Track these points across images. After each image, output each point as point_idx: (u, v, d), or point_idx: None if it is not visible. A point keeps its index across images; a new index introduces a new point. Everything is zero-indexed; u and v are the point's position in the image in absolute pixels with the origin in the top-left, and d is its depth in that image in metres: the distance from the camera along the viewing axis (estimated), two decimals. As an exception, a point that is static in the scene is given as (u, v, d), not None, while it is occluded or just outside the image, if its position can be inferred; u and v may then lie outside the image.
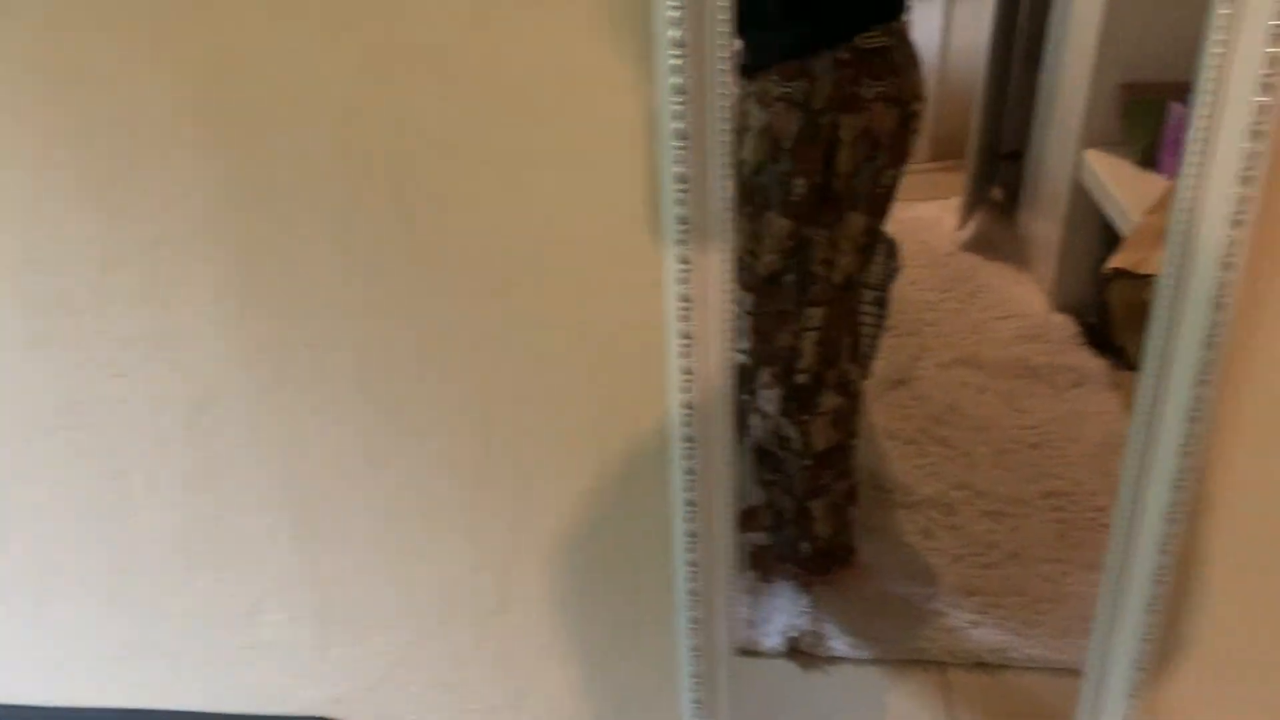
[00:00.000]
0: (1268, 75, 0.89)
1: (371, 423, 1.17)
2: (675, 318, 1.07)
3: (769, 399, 1.83)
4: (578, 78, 0.99)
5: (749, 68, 1.64)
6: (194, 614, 1.33)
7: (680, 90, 0.96)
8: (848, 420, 1.88)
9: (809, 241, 1.68)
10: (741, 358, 1.85)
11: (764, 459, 1.93)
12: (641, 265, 1.07)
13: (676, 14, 0.92)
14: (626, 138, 1.02)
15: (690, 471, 1.14)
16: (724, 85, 0.99)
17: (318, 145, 1.03)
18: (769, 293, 1.74)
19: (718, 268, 1.06)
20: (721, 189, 1.03)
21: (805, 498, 1.91)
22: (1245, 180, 0.92)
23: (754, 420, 1.89)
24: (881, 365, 2.68)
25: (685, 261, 1.04)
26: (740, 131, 1.64)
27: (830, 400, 1.84)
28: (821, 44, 1.55)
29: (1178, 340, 1.02)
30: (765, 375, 1.82)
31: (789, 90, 1.57)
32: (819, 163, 1.60)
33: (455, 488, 1.20)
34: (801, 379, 1.80)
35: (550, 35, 0.97)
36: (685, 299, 1.05)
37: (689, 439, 1.12)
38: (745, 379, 1.85)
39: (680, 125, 0.97)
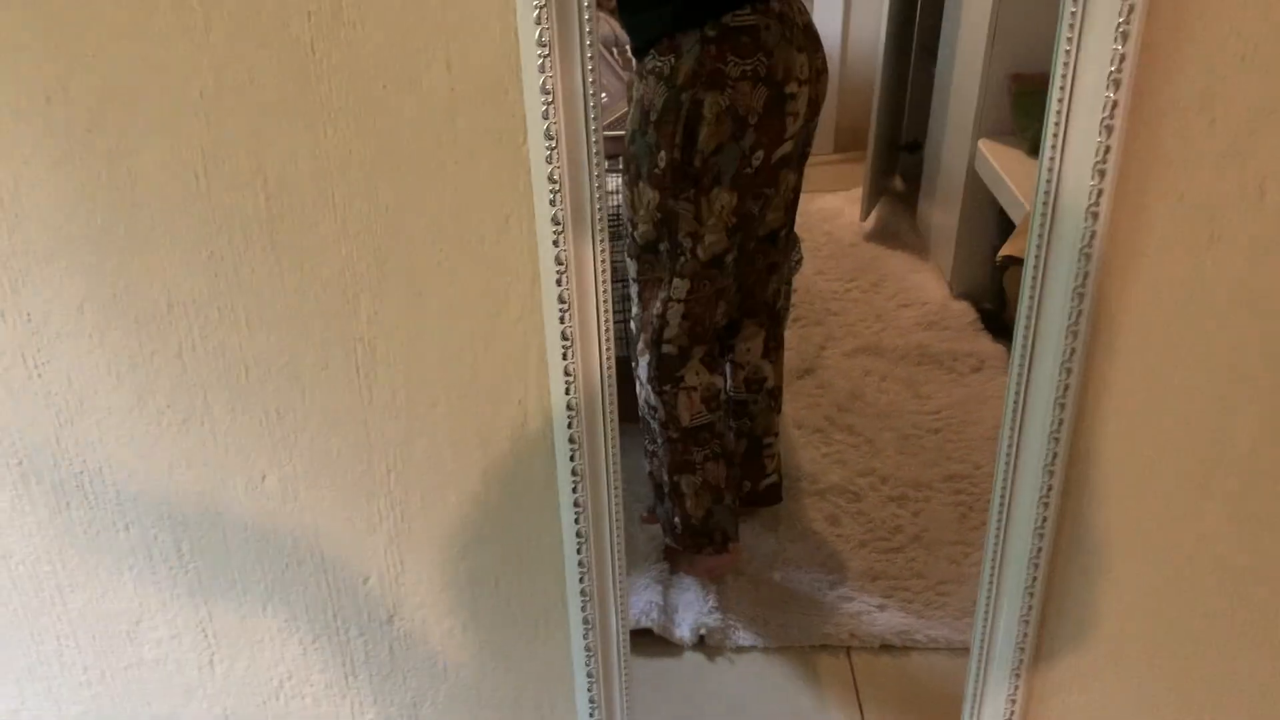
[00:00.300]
0: (1115, 72, 0.91)
1: (248, 433, 1.14)
2: (555, 318, 1.06)
3: (642, 366, 1.87)
4: (447, 84, 0.98)
5: (637, 49, 1.67)
6: (70, 635, 1.29)
7: (546, 90, 0.95)
8: (717, 400, 1.90)
9: (675, 214, 1.69)
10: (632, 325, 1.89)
11: (645, 428, 1.95)
12: (517, 267, 1.06)
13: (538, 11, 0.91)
14: (497, 140, 1.01)
15: (575, 473, 1.13)
16: (593, 85, 0.98)
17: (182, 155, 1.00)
18: (645, 260, 1.78)
19: (594, 268, 1.06)
20: (594, 189, 1.02)
21: (673, 471, 1.93)
22: (1099, 173, 0.94)
23: (637, 387, 1.91)
24: (789, 355, 2.70)
25: (561, 262, 1.03)
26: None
27: (698, 376, 1.85)
28: (689, 21, 1.57)
29: (1046, 307, 1.04)
30: (640, 342, 1.85)
31: (659, 65, 1.59)
32: (679, 137, 1.61)
33: (338, 497, 1.18)
34: (668, 349, 1.82)
35: (418, 37, 0.96)
36: (563, 300, 1.05)
37: (573, 440, 1.12)
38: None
39: (549, 125, 0.97)
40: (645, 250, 1.77)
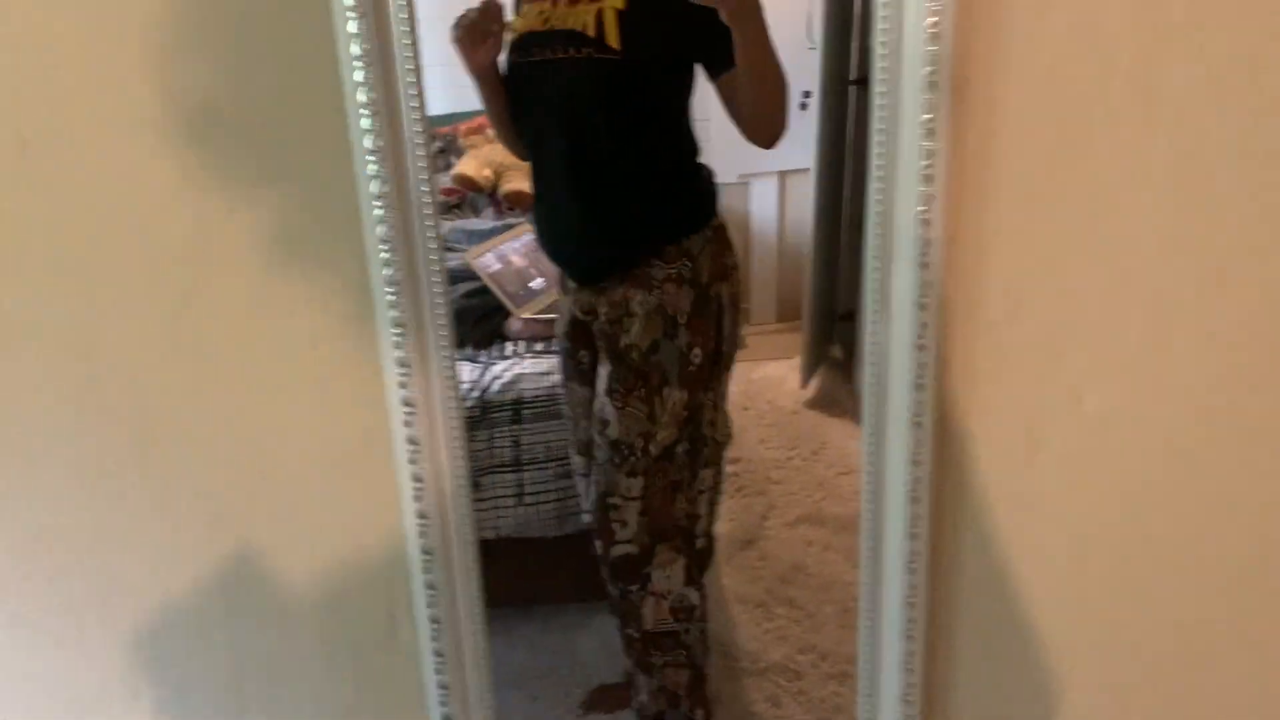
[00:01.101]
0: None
1: (121, 655, 1.15)
2: (400, 423, 1.05)
3: (604, 566, 1.79)
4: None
5: (621, 261, 1.69)
6: None
7: (381, 198, 0.99)
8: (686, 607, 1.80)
9: (701, 406, 1.70)
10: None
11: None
12: (360, 370, 1.06)
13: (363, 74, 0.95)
14: (332, 239, 1.04)
15: (431, 586, 1.10)
16: (426, 184, 1.01)
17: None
18: (659, 469, 1.70)
19: (440, 370, 1.06)
20: (436, 289, 1.04)
21: (635, 668, 1.88)
22: (919, 386, 1.00)
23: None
24: (730, 526, 2.71)
25: (405, 365, 1.04)
26: None
27: (663, 580, 1.76)
28: (698, 223, 1.69)
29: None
30: (598, 543, 1.79)
31: (675, 271, 1.65)
32: (713, 329, 1.68)
33: (211, 713, 1.18)
34: (627, 549, 1.75)
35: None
36: (408, 403, 1.04)
37: (427, 551, 1.09)
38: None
39: (384, 229, 0.99)
40: (661, 458, 1.69)
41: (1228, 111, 1.00)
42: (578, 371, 1.85)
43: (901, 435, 1.03)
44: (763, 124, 1.53)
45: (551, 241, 1.73)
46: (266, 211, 1.01)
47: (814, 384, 3.34)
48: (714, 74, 1.55)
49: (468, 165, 3.15)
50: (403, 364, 1.02)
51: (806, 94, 3.11)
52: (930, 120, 0.94)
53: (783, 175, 3.71)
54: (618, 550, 1.72)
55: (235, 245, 1.02)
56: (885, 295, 1.02)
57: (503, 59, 1.63)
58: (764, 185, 3.74)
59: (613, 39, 1.47)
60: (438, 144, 3.33)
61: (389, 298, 1.00)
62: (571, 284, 1.77)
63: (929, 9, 0.90)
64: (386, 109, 0.95)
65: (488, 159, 3.15)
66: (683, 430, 1.68)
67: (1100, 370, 1.07)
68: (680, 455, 1.71)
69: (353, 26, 0.91)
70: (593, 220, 1.65)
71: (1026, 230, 1.03)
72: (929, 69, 0.93)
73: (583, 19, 1.48)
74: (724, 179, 1.80)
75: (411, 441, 1.04)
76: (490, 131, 3.03)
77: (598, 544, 1.78)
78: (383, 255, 0.99)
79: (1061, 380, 1.07)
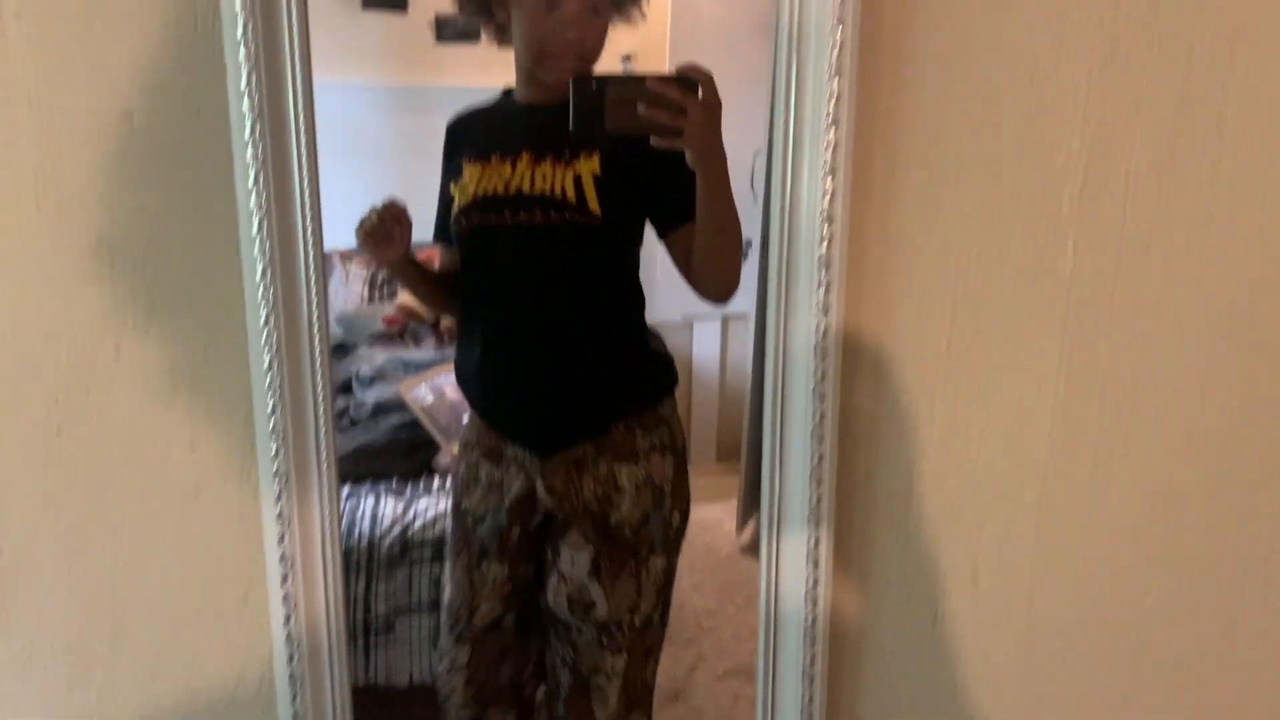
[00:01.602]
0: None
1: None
2: (277, 578, 1.01)
3: None
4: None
5: (591, 428, 1.58)
6: None
7: (272, 349, 0.97)
8: None
9: (674, 571, 1.62)
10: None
11: None
12: (239, 519, 1.03)
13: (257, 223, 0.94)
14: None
15: None
16: (322, 340, 0.99)
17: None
18: (642, 642, 1.61)
19: (322, 524, 1.02)
20: (322, 440, 1.01)
21: None
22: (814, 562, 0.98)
23: None
24: (659, 677, 2.62)
25: (284, 517, 1.00)
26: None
27: None
28: (669, 388, 1.61)
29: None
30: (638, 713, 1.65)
31: (656, 439, 1.57)
32: (687, 492, 1.63)
33: None
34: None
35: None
36: (285, 558, 1.01)
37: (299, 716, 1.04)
38: None
39: (273, 386, 0.97)
40: (643, 629, 1.59)
41: (1118, 304, 1.02)
42: (499, 549, 1.64)
43: (797, 623, 1.00)
44: (718, 276, 1.49)
45: (507, 411, 1.60)
46: (154, 354, 0.99)
47: (750, 528, 3.31)
48: (669, 229, 1.53)
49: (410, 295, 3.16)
50: (282, 518, 0.98)
51: (748, 242, 3.18)
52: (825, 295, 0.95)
53: (726, 319, 3.76)
54: None
55: (119, 388, 0.99)
56: (782, 468, 1.01)
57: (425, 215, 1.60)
58: (707, 327, 3.79)
59: (594, 204, 1.46)
60: (384, 273, 3.34)
61: (272, 448, 0.97)
62: (517, 454, 1.60)
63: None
64: (281, 255, 0.94)
65: (431, 290, 3.16)
66: (659, 597, 1.61)
67: (995, 549, 1.06)
68: (656, 621, 1.63)
69: (249, 176, 0.91)
70: (567, 387, 1.55)
71: (925, 411, 1.03)
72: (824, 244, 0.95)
73: (559, 183, 1.47)
74: (669, 318, 1.77)
75: (287, 599, 1.00)
76: (436, 263, 3.04)
77: None
78: (268, 403, 0.96)
79: (962, 556, 1.06)
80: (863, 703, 1.08)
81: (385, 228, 1.47)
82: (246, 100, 0.91)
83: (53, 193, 0.95)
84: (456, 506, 1.67)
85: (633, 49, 3.00)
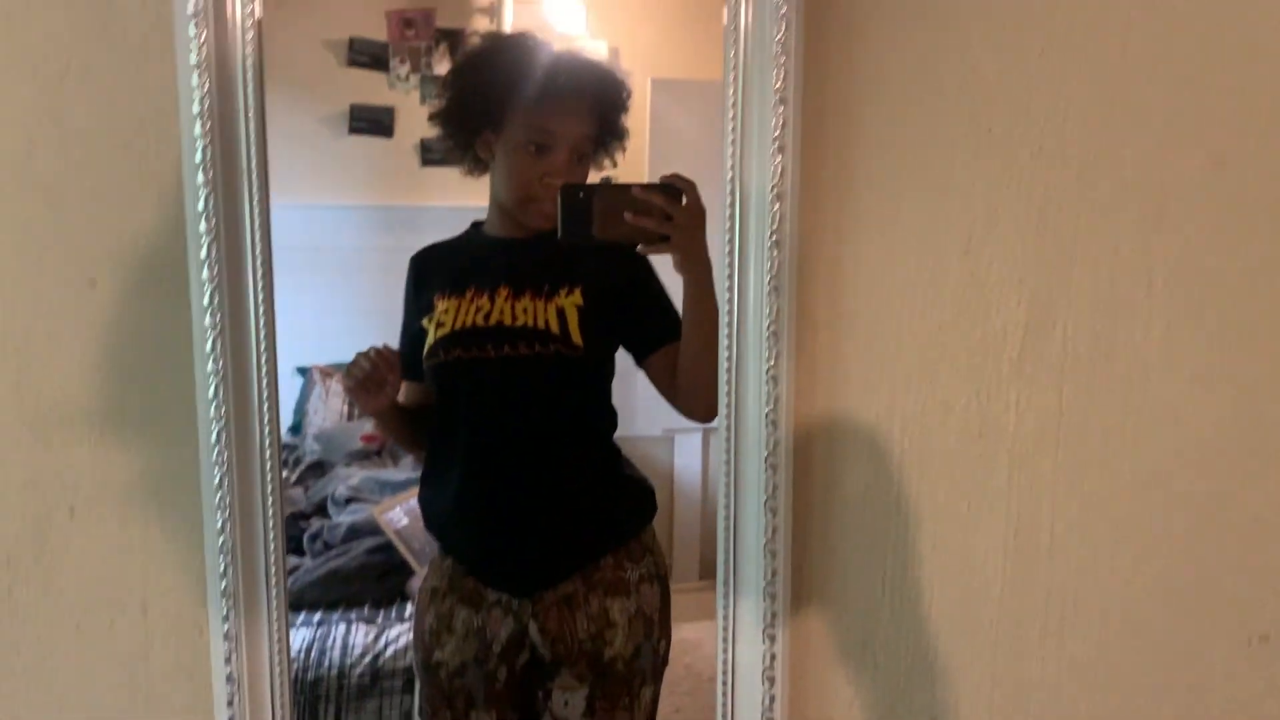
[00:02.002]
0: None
1: None
2: (223, 700, 1.00)
3: None
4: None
5: (578, 561, 1.57)
6: None
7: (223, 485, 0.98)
8: None
9: (658, 697, 1.62)
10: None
11: None
12: (190, 643, 1.03)
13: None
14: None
15: None
16: (272, 453, 1.01)
17: None
18: None
19: (273, 649, 1.01)
20: (273, 559, 1.01)
21: None
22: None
23: None
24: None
25: (231, 638, 0.99)
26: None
27: None
28: (651, 515, 1.61)
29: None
30: None
31: (645, 570, 1.56)
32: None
33: None
34: None
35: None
36: (231, 679, 0.99)
37: None
38: None
39: (222, 496, 0.98)
40: None
41: (1061, 459, 1.04)
42: (487, 698, 1.58)
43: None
44: (703, 391, 1.46)
45: (492, 550, 1.55)
46: (109, 515, 1.00)
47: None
48: (648, 352, 1.53)
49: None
50: (229, 637, 0.98)
51: (726, 359, 3.21)
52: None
53: (707, 431, 3.78)
54: None
55: (72, 548, 1.00)
56: (734, 621, 1.02)
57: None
58: (688, 440, 3.80)
59: (576, 336, 1.48)
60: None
61: (220, 566, 0.98)
62: (501, 596, 1.55)
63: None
64: (235, 395, 0.97)
65: (411, 408, 3.17)
66: None
67: (953, 697, 1.06)
68: None
69: (207, 320, 0.94)
70: (556, 518, 1.53)
71: (877, 571, 1.04)
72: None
73: (541, 317, 1.48)
74: (649, 432, 1.77)
75: (233, 737, 0.99)
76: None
77: None
78: (218, 521, 0.97)
79: (921, 705, 1.07)
80: None
81: (378, 375, 1.44)
82: (206, 271, 0.94)
83: (13, 356, 0.97)
84: (427, 661, 1.60)
85: (614, 172, 3.08)
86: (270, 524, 1.01)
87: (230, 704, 1.00)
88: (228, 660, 0.98)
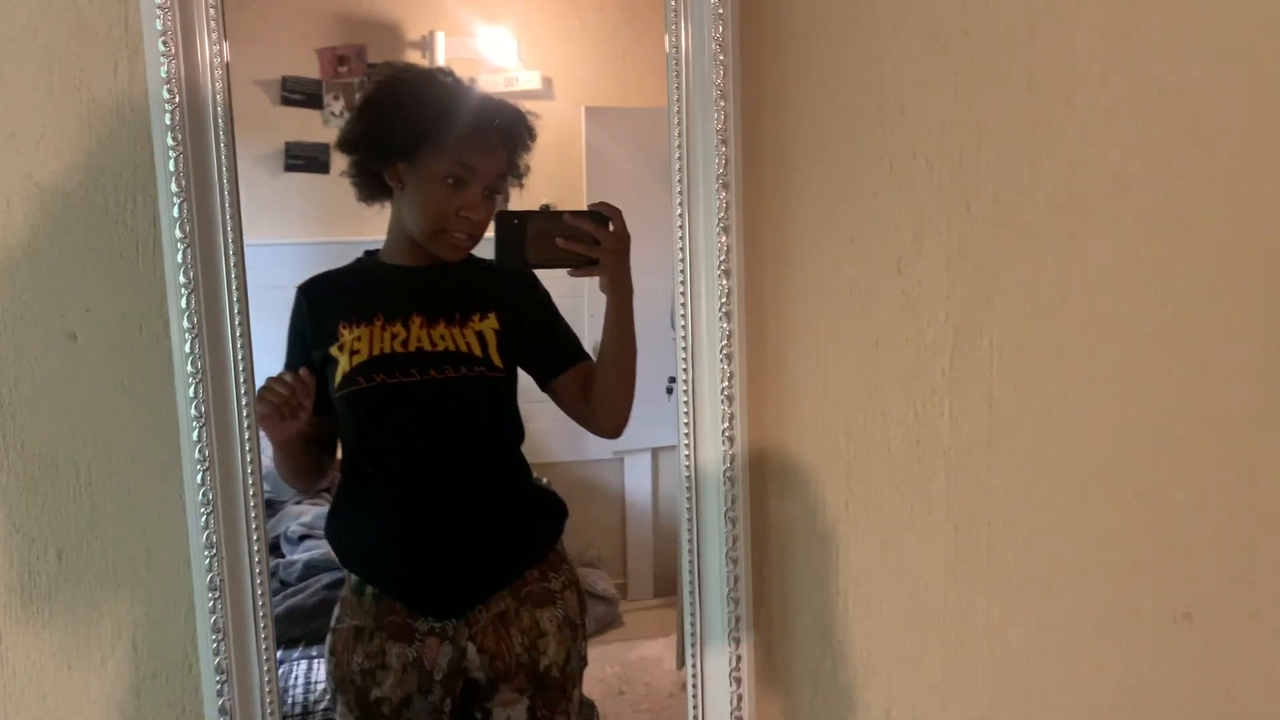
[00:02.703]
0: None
1: None
2: None
3: None
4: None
5: (507, 575, 1.58)
6: None
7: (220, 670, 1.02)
8: None
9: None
10: None
11: None
12: (176, 675, 1.07)
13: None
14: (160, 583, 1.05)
15: None
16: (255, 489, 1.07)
17: None
18: None
19: (259, 678, 1.06)
20: (259, 592, 1.07)
21: None
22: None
23: None
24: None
25: (223, 671, 1.03)
26: None
27: None
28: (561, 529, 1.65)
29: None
30: None
31: (566, 577, 1.58)
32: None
33: None
34: None
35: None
36: (225, 710, 1.03)
37: None
38: None
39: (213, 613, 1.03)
40: None
41: (994, 461, 1.13)
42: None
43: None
44: (615, 409, 1.51)
45: (418, 576, 1.55)
46: (96, 557, 1.03)
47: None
48: (554, 374, 1.58)
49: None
50: (220, 670, 1.02)
51: (671, 379, 3.27)
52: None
53: (655, 451, 3.83)
54: None
55: (62, 591, 1.03)
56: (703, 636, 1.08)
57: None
58: (638, 461, 3.85)
59: (496, 358, 1.53)
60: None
61: (210, 603, 1.02)
62: (433, 624, 1.55)
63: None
64: (219, 462, 1.01)
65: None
66: None
67: (906, 692, 1.13)
68: None
69: (190, 388, 0.99)
70: (479, 537, 1.55)
71: (831, 564, 1.11)
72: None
73: (461, 341, 1.53)
74: (598, 456, 1.82)
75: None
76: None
77: None
78: (210, 600, 1.01)
79: (877, 701, 1.14)
80: None
81: (294, 401, 1.40)
82: (186, 321, 0.99)
83: (1, 408, 1.01)
84: (363, 701, 1.55)
85: (553, 199, 3.13)
86: (255, 557, 1.06)
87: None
88: (220, 693, 1.02)
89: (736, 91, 1.02)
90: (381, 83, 1.64)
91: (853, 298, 1.10)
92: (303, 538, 2.63)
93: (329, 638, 1.61)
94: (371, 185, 1.56)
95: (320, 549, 2.61)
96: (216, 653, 1.02)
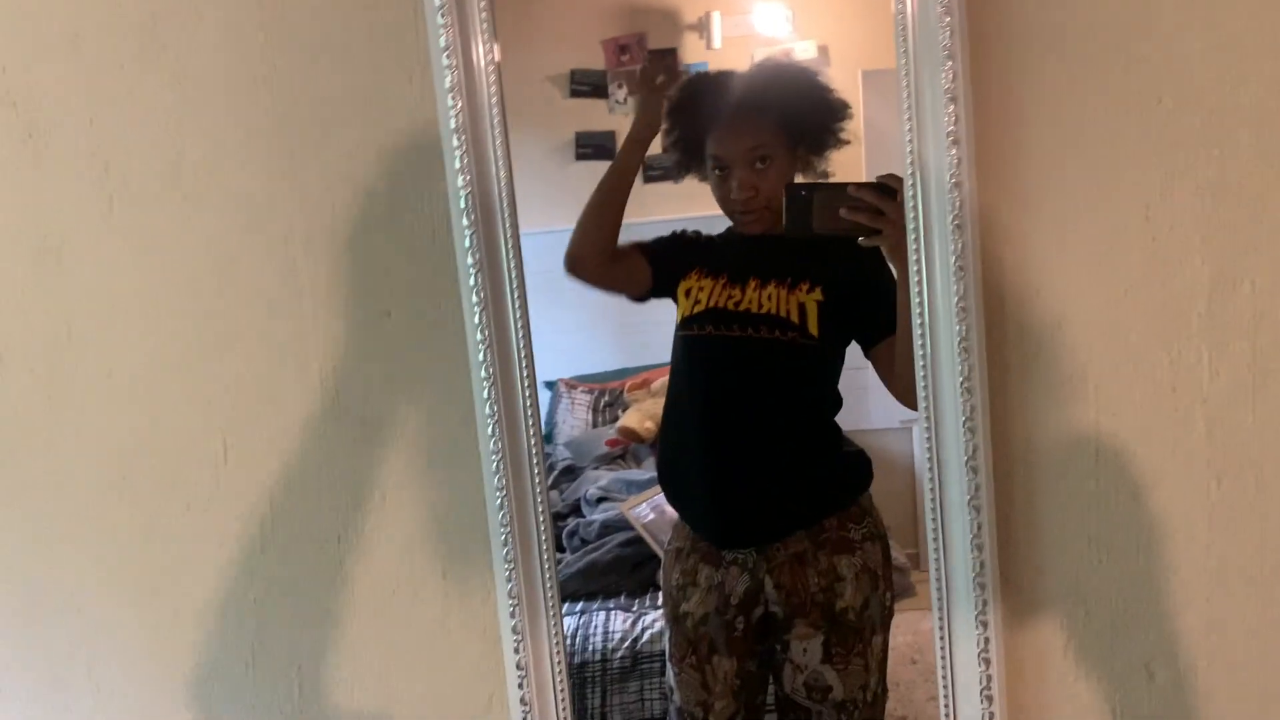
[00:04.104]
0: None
1: None
2: (515, 685, 1.20)
3: None
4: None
5: (801, 521, 1.73)
6: None
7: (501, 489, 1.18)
8: None
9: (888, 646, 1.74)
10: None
11: None
12: (482, 641, 1.24)
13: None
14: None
15: None
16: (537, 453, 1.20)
17: None
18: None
19: (550, 638, 1.22)
20: (547, 568, 1.21)
21: None
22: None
23: None
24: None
25: (518, 633, 1.19)
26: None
27: None
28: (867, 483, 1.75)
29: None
30: None
31: (867, 530, 1.70)
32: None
33: None
34: None
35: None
36: (520, 667, 1.20)
37: None
38: None
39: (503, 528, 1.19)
40: (873, 705, 1.71)
41: (1258, 413, 1.07)
42: (728, 644, 1.77)
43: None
44: (909, 380, 1.59)
45: (716, 511, 1.75)
46: (412, 499, 1.23)
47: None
48: (873, 343, 1.67)
49: (631, 418, 3.37)
50: (516, 631, 1.18)
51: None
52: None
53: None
54: None
55: (387, 525, 1.23)
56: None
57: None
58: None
59: (813, 328, 1.65)
60: (605, 398, 3.59)
61: (506, 571, 1.18)
62: (738, 555, 1.74)
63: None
64: (507, 423, 1.17)
65: (650, 412, 3.36)
66: (882, 671, 1.73)
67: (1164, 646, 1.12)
68: (881, 694, 1.73)
69: (478, 336, 1.15)
70: (781, 488, 1.71)
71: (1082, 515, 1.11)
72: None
73: (783, 307, 1.65)
74: (885, 425, 1.87)
75: (523, 703, 1.19)
76: (654, 385, 3.24)
77: None
78: (501, 535, 1.17)
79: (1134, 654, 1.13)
80: None
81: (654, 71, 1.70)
82: (474, 286, 1.15)
83: (331, 377, 1.22)
84: (675, 612, 1.80)
85: (831, 167, 3.16)
86: (540, 519, 1.21)
87: (520, 687, 1.21)
88: (516, 650, 1.20)
89: (964, 48, 1.04)
90: (674, 96, 1.77)
91: (1096, 246, 1.09)
92: (600, 500, 2.84)
93: (663, 557, 1.90)
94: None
95: (614, 510, 2.80)
96: (509, 579, 1.18)
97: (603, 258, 1.77)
